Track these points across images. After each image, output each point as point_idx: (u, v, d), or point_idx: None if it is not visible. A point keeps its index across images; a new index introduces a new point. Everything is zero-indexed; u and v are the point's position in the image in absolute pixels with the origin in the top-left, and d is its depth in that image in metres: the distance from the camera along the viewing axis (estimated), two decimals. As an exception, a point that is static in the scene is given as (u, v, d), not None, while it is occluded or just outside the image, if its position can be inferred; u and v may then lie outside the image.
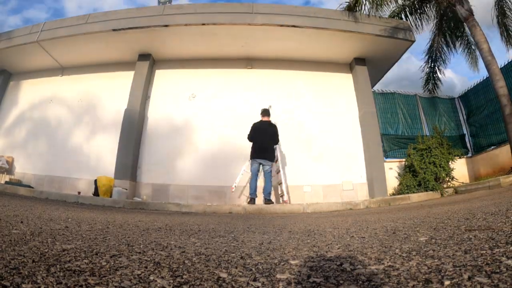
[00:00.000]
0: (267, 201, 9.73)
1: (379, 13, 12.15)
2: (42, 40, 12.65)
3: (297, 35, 12.02)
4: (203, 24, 11.65)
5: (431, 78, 15.44)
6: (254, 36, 12.14)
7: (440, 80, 15.40)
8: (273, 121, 10.68)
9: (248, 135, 10.32)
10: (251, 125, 10.41)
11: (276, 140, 10.40)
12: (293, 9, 12.15)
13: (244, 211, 8.62)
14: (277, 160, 10.83)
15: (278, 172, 10.84)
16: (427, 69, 15.46)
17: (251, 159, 10.11)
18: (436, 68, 15.31)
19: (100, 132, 12.78)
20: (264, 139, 10.13)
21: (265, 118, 10.56)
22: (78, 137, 12.88)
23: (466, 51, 14.57)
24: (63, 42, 12.70)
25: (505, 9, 12.59)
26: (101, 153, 12.36)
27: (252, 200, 9.73)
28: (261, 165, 10.08)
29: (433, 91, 15.36)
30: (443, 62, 15.16)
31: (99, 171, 11.72)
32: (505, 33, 12.83)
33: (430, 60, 15.30)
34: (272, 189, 10.32)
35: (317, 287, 1.52)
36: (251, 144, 10.29)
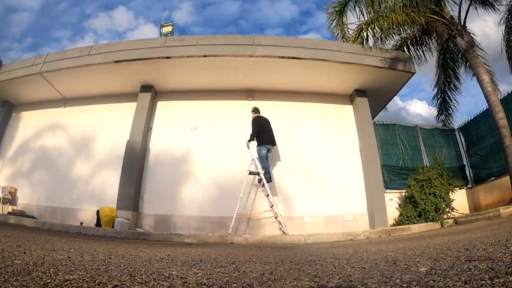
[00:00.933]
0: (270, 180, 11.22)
1: (381, 45, 12.30)
2: (45, 71, 12.72)
3: (297, 67, 12.13)
4: (205, 56, 11.78)
5: (443, 109, 15.54)
6: (255, 67, 12.25)
7: (451, 109, 15.52)
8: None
9: (254, 130, 11.44)
10: (253, 121, 11.64)
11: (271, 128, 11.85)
12: (294, 41, 12.29)
13: (246, 242, 8.67)
14: (268, 195, 10.95)
15: (272, 206, 10.89)
16: (439, 100, 15.58)
17: (259, 145, 11.40)
18: (447, 98, 15.42)
19: (102, 163, 12.78)
20: (268, 129, 11.63)
21: (258, 114, 11.92)
22: (81, 168, 12.88)
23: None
24: (65, 74, 12.76)
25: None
26: (104, 184, 12.34)
27: (270, 178, 11.20)
28: (268, 150, 11.43)
29: (447, 122, 15.49)
30: (453, 92, 15.27)
31: (102, 201, 11.70)
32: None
33: (439, 91, 15.42)
34: (284, 224, 10.43)
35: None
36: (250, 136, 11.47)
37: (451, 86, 15.22)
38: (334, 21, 14.17)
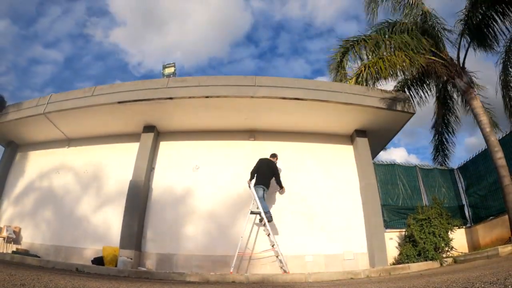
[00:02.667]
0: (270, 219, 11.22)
1: (381, 86, 12.49)
2: (49, 112, 12.83)
3: (299, 108, 12.26)
4: (207, 97, 11.90)
5: (440, 150, 15.70)
6: (257, 108, 12.39)
7: (448, 151, 15.69)
8: (274, 160, 12.35)
9: (252, 170, 11.79)
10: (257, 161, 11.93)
11: (274, 173, 11.96)
12: (295, 81, 12.46)
13: (247, 281, 8.71)
14: (269, 234, 11.03)
15: (273, 245, 10.95)
16: (435, 142, 15.74)
17: (255, 185, 11.48)
18: (444, 139, 15.58)
19: (106, 202, 12.81)
20: (264, 171, 11.75)
21: (269, 158, 12.20)
22: (85, 207, 12.89)
23: (455, 121, 14.84)
24: (69, 114, 12.86)
25: (510, 83, 12.89)
26: (107, 223, 12.35)
27: (270, 217, 11.21)
28: (264, 191, 11.45)
29: (444, 163, 15.62)
30: (451, 134, 15.45)
31: (105, 240, 11.73)
32: (509, 106, 13.09)
33: (437, 133, 15.57)
34: (284, 262, 10.55)
35: None
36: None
37: (449, 129, 15.40)
38: (334, 70, 14.26)
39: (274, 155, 12.26)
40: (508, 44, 12.34)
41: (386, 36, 12.92)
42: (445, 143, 15.69)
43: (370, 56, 12.77)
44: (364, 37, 13.07)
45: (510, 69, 12.77)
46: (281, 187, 12.06)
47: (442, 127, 15.41)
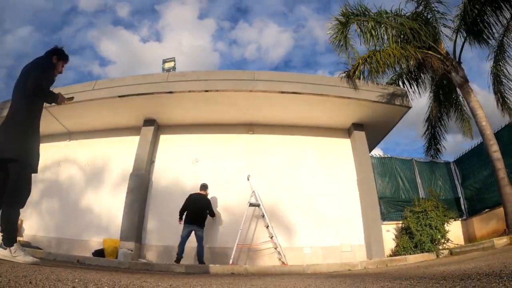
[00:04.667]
0: (201, 263, 10.50)
1: (377, 80, 12.44)
2: (50, 106, 12.75)
3: (297, 101, 12.32)
4: (206, 91, 11.97)
5: (432, 144, 15.73)
6: (256, 102, 12.45)
7: (440, 145, 15.72)
8: (209, 196, 11.84)
9: (181, 207, 11.20)
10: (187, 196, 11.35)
11: (209, 210, 11.42)
12: (293, 76, 12.56)
13: (246, 272, 8.76)
14: (267, 226, 11.16)
15: (271, 237, 11.07)
16: (428, 136, 15.76)
17: (184, 223, 10.94)
18: (436, 134, 15.61)
19: (107, 195, 12.89)
20: (195, 208, 11.10)
21: (202, 192, 11.60)
22: (86, 200, 12.95)
23: (459, 118, 14.82)
24: (70, 108, 12.64)
25: (501, 77, 12.92)
26: (108, 216, 12.43)
27: (178, 260, 10.36)
28: (193, 231, 10.88)
29: (435, 157, 15.64)
30: (443, 128, 15.46)
31: (106, 233, 11.85)
32: (501, 100, 13.12)
33: (430, 127, 15.59)
34: (283, 254, 10.61)
35: None
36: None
37: (442, 122, 15.42)
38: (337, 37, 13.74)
39: (204, 188, 11.72)
40: (501, 38, 12.36)
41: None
42: (438, 137, 15.72)
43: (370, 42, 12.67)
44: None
45: (501, 63, 12.78)
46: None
47: (435, 120, 15.43)
